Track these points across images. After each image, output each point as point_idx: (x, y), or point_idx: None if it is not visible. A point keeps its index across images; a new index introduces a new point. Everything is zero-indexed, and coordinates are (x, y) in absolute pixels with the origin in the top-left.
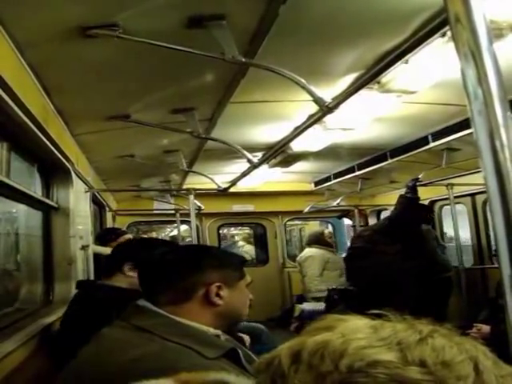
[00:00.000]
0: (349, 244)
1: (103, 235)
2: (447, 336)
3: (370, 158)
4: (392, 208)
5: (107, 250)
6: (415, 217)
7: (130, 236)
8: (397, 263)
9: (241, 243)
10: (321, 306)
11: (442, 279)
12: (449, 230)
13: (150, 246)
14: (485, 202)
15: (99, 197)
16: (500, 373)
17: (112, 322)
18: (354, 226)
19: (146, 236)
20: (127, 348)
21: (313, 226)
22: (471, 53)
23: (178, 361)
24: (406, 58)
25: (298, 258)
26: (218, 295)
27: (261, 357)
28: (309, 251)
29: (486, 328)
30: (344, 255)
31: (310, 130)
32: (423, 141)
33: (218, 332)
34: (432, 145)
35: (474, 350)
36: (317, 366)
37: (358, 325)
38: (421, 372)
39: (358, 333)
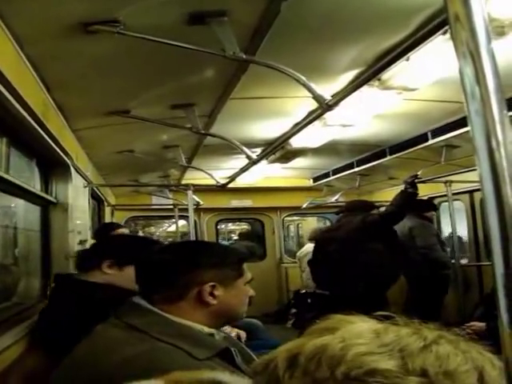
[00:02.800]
0: (312, 249)
1: (101, 230)
2: (453, 343)
3: (369, 155)
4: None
5: None
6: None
7: (124, 230)
8: (388, 259)
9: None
10: None
11: (438, 276)
12: (446, 226)
13: (133, 244)
14: (483, 199)
15: (98, 192)
16: None
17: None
18: None
19: (141, 232)
20: (119, 348)
21: (311, 222)
22: (469, 52)
23: (167, 362)
24: (407, 55)
25: (297, 253)
26: (212, 294)
27: (260, 357)
28: (309, 246)
29: (480, 325)
30: (310, 260)
31: (310, 126)
32: (422, 138)
33: (212, 331)
34: (431, 142)
35: (481, 358)
36: (312, 372)
37: (362, 328)
38: (421, 382)
39: (359, 337)
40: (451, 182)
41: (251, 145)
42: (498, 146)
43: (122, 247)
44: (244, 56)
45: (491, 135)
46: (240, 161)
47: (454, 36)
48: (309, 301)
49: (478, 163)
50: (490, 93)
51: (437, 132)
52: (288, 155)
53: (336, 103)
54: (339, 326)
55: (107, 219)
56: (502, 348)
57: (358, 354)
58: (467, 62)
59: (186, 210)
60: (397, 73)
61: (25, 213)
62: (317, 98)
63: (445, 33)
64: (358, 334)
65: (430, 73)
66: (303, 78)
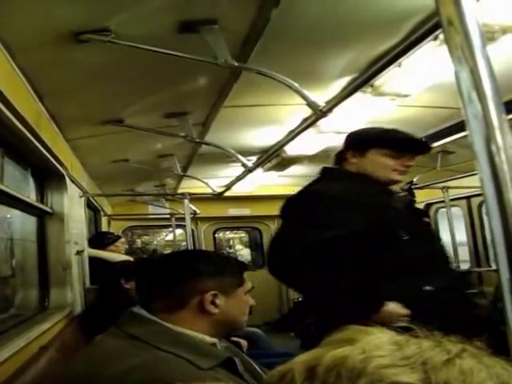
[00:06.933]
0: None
1: (98, 238)
2: (477, 357)
3: None
4: None
5: (103, 254)
6: None
7: (123, 239)
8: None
9: (238, 247)
10: None
11: None
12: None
13: None
14: (480, 205)
15: (94, 201)
16: None
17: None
18: None
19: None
20: (119, 358)
21: None
22: (464, 56)
23: (169, 372)
24: (398, 61)
25: None
26: (213, 303)
27: (274, 369)
28: None
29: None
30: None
31: (305, 133)
32: None
33: (214, 340)
34: None
35: (506, 374)
36: None
37: (382, 340)
38: None
39: (380, 349)
40: (448, 187)
41: (246, 153)
42: (497, 150)
43: None
44: (236, 63)
45: (491, 139)
46: (236, 169)
47: (448, 40)
48: (302, 309)
49: (479, 168)
50: (488, 96)
51: (432, 138)
52: (284, 163)
53: (330, 109)
54: (357, 336)
55: (104, 229)
56: (510, 353)
57: (379, 366)
58: (462, 65)
59: (183, 219)
60: (389, 79)
61: (21, 223)
62: (310, 104)
63: (435, 38)
64: (378, 345)
65: (422, 79)
66: (296, 85)
